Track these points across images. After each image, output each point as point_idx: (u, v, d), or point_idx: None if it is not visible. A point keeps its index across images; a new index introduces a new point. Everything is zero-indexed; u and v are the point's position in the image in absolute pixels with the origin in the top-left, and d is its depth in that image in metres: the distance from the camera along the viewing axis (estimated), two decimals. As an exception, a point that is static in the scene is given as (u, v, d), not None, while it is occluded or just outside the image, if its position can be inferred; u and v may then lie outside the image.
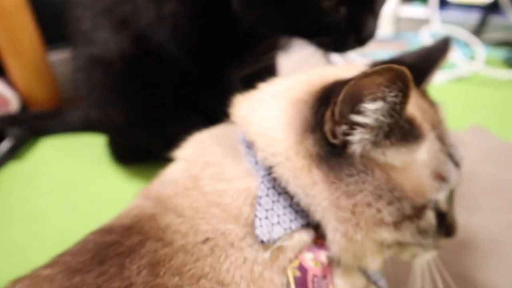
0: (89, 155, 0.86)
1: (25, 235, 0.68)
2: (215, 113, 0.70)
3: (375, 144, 0.34)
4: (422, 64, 0.44)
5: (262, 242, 0.34)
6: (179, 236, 0.34)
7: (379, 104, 0.32)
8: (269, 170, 0.36)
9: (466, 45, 1.19)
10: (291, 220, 0.36)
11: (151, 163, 0.78)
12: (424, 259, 0.42)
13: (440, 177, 0.37)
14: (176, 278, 0.31)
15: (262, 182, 0.36)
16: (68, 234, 0.37)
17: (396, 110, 0.32)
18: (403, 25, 1.36)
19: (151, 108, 0.69)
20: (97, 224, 0.37)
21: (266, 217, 0.35)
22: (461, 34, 1.18)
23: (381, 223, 0.35)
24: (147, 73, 0.66)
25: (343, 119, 0.33)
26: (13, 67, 0.97)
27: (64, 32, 1.13)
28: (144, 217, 0.37)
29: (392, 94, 0.31)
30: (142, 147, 0.78)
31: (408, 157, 0.35)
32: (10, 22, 0.92)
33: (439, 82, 1.04)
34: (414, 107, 0.38)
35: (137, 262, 0.32)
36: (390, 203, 0.35)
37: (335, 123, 0.33)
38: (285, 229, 0.35)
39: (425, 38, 1.16)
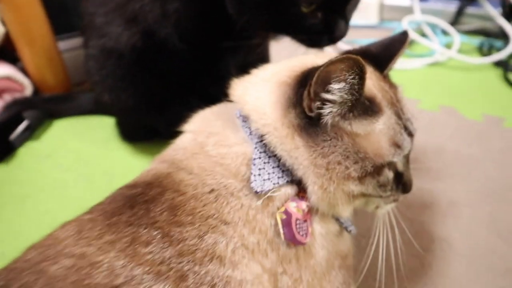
0: (100, 135, 0.95)
1: (47, 204, 0.78)
2: (213, 97, 0.80)
3: (342, 116, 0.44)
4: (385, 53, 0.53)
5: (256, 192, 0.44)
6: (191, 188, 0.44)
7: (342, 85, 0.42)
8: (261, 138, 0.46)
9: (443, 33, 1.28)
10: (278, 177, 0.46)
11: (155, 141, 0.88)
12: (385, 210, 0.52)
13: (396, 145, 0.47)
14: (190, 217, 0.42)
15: (256, 147, 0.46)
16: (85, 202, 0.45)
17: (355, 90, 0.42)
18: (387, 14, 1.45)
19: (157, 93, 0.78)
20: (109, 193, 0.46)
21: (259, 174, 0.45)
22: (440, 23, 1.27)
23: (348, 177, 0.45)
24: (154, 62, 0.75)
25: (317, 97, 0.43)
26: (26, 55, 1.05)
27: (71, 22, 1.22)
28: (162, 175, 0.46)
29: (351, 77, 0.41)
30: (148, 127, 0.87)
31: (369, 127, 0.45)
32: (23, 14, 0.99)
33: (417, 66, 1.14)
34: (375, 88, 0.48)
35: (159, 206, 0.42)
36: (355, 162, 0.45)
37: (311, 100, 0.43)
38: (274, 184, 0.45)
39: (406, 27, 1.25)
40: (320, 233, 0.47)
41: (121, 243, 0.39)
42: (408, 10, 1.37)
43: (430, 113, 0.95)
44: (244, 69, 0.90)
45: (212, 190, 0.44)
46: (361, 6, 1.43)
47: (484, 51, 1.21)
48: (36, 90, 1.09)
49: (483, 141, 0.86)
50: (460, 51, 1.18)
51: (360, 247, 0.54)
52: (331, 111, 0.43)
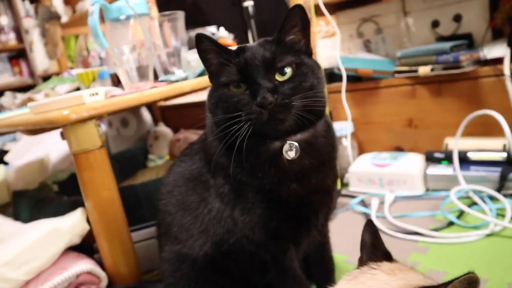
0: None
1: None
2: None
3: None
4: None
5: None
6: None
7: None
8: None
9: (491, 199, 1.32)
10: None
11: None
12: None
13: None
14: None
15: None
16: None
17: None
18: (431, 183, 1.52)
19: None
20: None
21: None
22: (486, 190, 1.32)
23: None
24: (226, 266, 0.83)
25: None
26: (104, 249, 1.16)
27: (143, 215, 1.37)
28: None
29: None
30: None
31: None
32: (107, 214, 1.14)
33: (474, 239, 1.15)
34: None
35: None
36: None
37: None
38: None
39: (453, 197, 1.30)
40: None
41: None
42: (451, 179, 1.44)
43: (499, 292, 0.92)
44: (306, 260, 0.96)
45: None
46: (405, 179, 1.53)
47: (539, 215, 1.22)
48: (110, 281, 1.17)
49: None
50: (513, 218, 1.20)
51: None
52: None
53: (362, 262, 0.61)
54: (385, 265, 0.58)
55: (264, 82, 0.70)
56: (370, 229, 0.64)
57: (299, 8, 0.73)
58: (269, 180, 0.76)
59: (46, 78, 4.20)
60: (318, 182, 0.79)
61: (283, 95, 0.70)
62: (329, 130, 0.83)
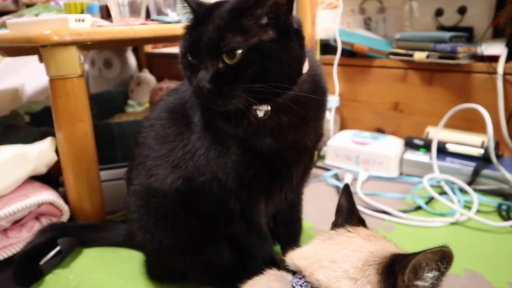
0: (128, 269, 0.97)
1: None
2: (242, 246, 0.84)
3: None
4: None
5: None
6: None
7: (435, 273, 0.48)
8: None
9: (461, 191, 1.34)
10: None
11: (182, 282, 0.89)
12: None
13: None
14: None
15: None
16: None
17: (445, 276, 0.48)
18: (406, 168, 1.54)
19: (193, 235, 0.82)
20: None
21: None
22: (458, 182, 1.34)
23: None
24: (194, 206, 0.81)
25: (410, 283, 0.47)
26: (70, 183, 1.13)
27: (114, 155, 1.33)
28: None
29: (443, 266, 0.48)
30: (177, 270, 0.89)
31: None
32: (78, 147, 1.10)
33: (439, 225, 1.17)
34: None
35: None
36: None
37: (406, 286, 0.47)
38: None
39: (426, 184, 1.32)
40: None
41: None
42: (426, 166, 1.46)
43: (455, 276, 0.95)
44: (275, 218, 0.96)
45: None
46: (381, 160, 1.54)
47: (502, 212, 1.25)
48: (72, 216, 1.15)
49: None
50: (480, 211, 1.23)
51: None
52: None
53: (336, 225, 0.60)
54: (361, 230, 0.58)
55: (207, 64, 0.65)
56: (347, 194, 0.64)
57: None
58: (242, 130, 0.73)
59: (30, 6, 3.99)
60: (295, 140, 0.76)
61: (224, 82, 0.64)
62: (317, 85, 0.78)
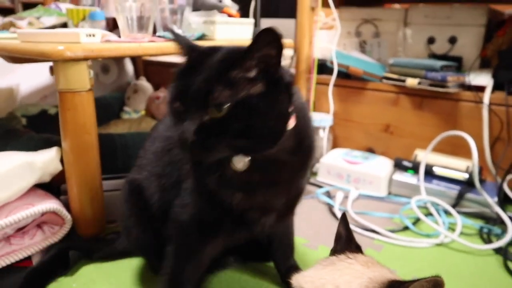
0: (127, 279, 1.01)
1: None
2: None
3: None
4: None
5: None
6: None
7: None
8: None
9: (446, 213, 1.42)
10: None
11: None
12: None
13: None
14: None
15: None
16: None
17: None
18: (395, 189, 1.61)
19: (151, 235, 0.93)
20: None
21: None
22: (443, 204, 1.42)
23: None
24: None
25: None
26: (73, 192, 1.16)
27: (116, 165, 1.36)
28: None
29: None
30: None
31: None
32: (83, 158, 1.14)
33: (423, 246, 1.24)
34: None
35: None
36: None
37: None
38: None
39: (413, 205, 1.39)
40: None
41: None
42: (414, 188, 1.53)
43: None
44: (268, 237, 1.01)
45: None
46: (372, 179, 1.60)
47: (484, 235, 1.32)
48: (74, 225, 1.17)
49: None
50: (463, 233, 1.30)
51: None
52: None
53: (336, 252, 0.65)
54: (360, 256, 0.63)
55: (193, 115, 0.62)
56: (345, 223, 0.69)
57: (268, 33, 0.59)
58: (213, 181, 0.74)
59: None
60: (264, 200, 0.76)
61: (208, 135, 0.62)
62: (301, 142, 0.74)
